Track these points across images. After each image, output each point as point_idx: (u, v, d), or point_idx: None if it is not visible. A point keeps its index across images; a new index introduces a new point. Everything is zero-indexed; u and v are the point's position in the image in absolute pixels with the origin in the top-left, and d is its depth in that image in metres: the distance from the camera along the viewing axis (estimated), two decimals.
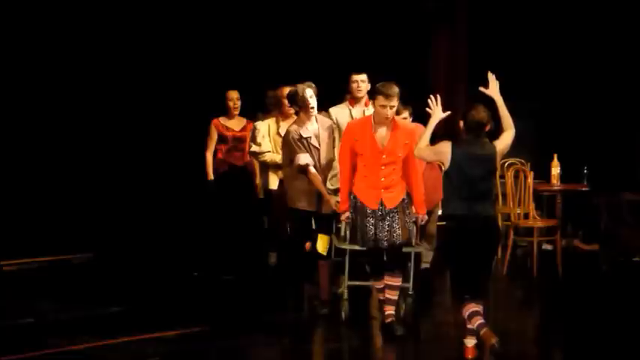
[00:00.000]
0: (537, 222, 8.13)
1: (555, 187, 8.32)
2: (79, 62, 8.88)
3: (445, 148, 5.20)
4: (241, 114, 7.67)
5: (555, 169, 8.27)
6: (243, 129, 7.56)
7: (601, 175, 8.48)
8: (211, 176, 7.56)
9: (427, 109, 5.42)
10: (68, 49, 8.78)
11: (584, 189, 8.43)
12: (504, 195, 8.38)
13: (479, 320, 5.13)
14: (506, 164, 8.56)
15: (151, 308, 6.60)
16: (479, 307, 5.17)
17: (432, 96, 5.40)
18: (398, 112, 6.28)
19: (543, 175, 8.47)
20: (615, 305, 6.82)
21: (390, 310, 5.84)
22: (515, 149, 8.62)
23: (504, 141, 5.23)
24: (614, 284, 7.70)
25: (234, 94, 7.55)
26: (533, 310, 7.22)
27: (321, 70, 7.65)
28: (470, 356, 5.25)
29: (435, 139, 5.35)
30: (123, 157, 9.07)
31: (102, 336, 5.70)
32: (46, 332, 5.84)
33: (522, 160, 8.72)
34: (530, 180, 8.14)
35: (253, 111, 7.88)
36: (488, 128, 5.22)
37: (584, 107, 9.26)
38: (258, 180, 7.63)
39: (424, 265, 7.06)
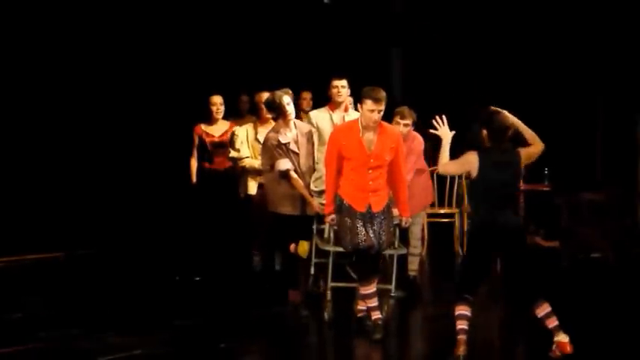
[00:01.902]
0: None
1: (519, 187, 8.58)
2: (75, 61, 8.85)
3: (472, 157, 5.16)
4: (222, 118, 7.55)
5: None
6: (224, 134, 7.44)
7: (561, 176, 8.63)
8: (194, 181, 7.49)
9: (433, 131, 5.39)
10: (63, 49, 8.76)
11: (545, 189, 8.57)
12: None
13: (463, 325, 5.18)
14: None
15: (134, 306, 6.63)
16: (469, 312, 5.19)
17: (437, 117, 5.36)
18: (402, 117, 6.40)
19: None
20: (574, 299, 6.88)
21: (376, 315, 5.72)
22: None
23: (530, 152, 5.23)
24: (574, 279, 7.78)
25: (217, 100, 7.44)
26: (497, 304, 7.16)
27: (290, 76, 7.65)
28: (569, 350, 5.19)
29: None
30: (109, 160, 9.05)
31: (88, 331, 5.81)
32: (35, 327, 5.90)
33: None
34: None
35: (227, 116, 7.77)
36: (510, 134, 5.19)
37: (546, 111, 9.27)
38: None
39: (411, 273, 6.99)
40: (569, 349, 5.17)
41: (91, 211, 8.87)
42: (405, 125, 6.41)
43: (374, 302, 5.74)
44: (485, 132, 5.18)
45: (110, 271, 7.95)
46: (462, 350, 5.14)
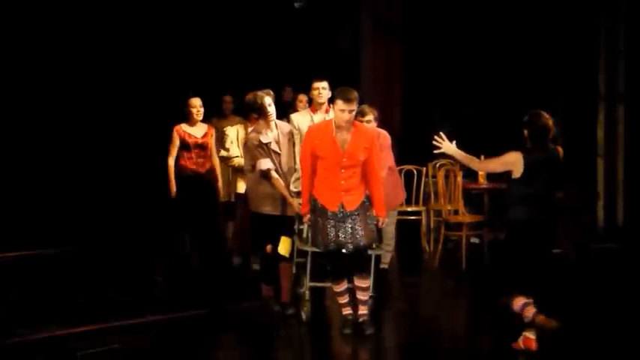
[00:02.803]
0: (466, 218, 8.34)
1: (482, 186, 8.51)
2: (57, 62, 8.81)
3: (515, 157, 5.17)
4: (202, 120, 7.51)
5: None
6: (205, 135, 7.43)
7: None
8: (173, 182, 7.41)
9: (437, 151, 5.44)
10: (49, 50, 8.75)
11: None
12: (436, 193, 8.59)
13: (532, 310, 5.21)
14: (438, 165, 8.73)
15: (113, 301, 6.65)
16: (529, 299, 5.23)
17: (436, 136, 5.43)
18: (363, 115, 6.39)
19: (471, 174, 8.66)
20: (535, 292, 6.93)
21: (363, 310, 5.77)
22: None
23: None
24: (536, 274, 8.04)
25: (196, 102, 7.39)
26: (462, 298, 7.37)
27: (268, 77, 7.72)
28: (533, 348, 5.28)
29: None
30: (86, 159, 8.99)
31: (67, 325, 5.85)
32: (13, 323, 5.95)
33: (452, 161, 8.57)
34: (459, 179, 8.38)
35: (208, 116, 7.78)
36: (551, 135, 5.23)
37: (508, 113, 8.93)
38: (220, 184, 7.53)
39: (383, 266, 6.99)
40: (534, 346, 5.28)
41: (69, 210, 8.85)
42: (368, 122, 6.41)
43: (344, 299, 5.83)
44: (526, 132, 5.22)
45: (88, 268, 7.94)
46: (553, 323, 5.16)
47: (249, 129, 6.89)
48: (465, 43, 9.88)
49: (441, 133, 5.45)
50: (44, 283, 7.40)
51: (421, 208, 8.86)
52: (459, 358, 5.60)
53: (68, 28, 8.91)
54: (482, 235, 8.41)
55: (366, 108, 6.55)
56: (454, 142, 5.44)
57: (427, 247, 8.84)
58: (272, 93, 6.28)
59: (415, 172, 8.88)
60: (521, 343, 5.39)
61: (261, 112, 6.19)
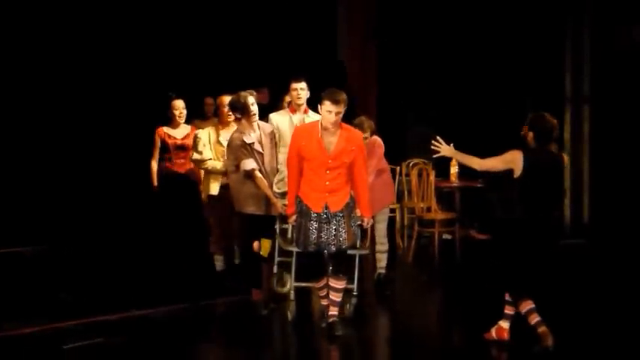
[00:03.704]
0: (438, 215, 8.50)
1: (454, 184, 8.70)
2: (38, 60, 8.79)
3: (516, 156, 5.18)
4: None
5: (454, 168, 8.68)
6: (186, 137, 7.38)
7: (493, 174, 8.98)
8: (155, 180, 7.38)
9: (436, 155, 5.48)
10: (25, 49, 8.73)
11: (478, 185, 8.75)
12: (409, 191, 8.73)
13: (536, 318, 5.22)
14: (411, 164, 8.88)
15: (97, 297, 6.68)
16: (533, 305, 5.22)
17: (433, 141, 5.44)
18: (361, 129, 6.25)
19: (443, 173, 8.80)
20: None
21: (333, 311, 5.71)
22: (418, 150, 9.19)
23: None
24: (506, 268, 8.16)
25: (179, 104, 7.36)
26: (435, 292, 7.47)
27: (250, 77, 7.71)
28: (505, 338, 5.36)
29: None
30: (70, 159, 8.97)
31: (51, 320, 5.91)
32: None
33: (425, 160, 8.87)
34: (432, 178, 8.56)
35: (189, 118, 7.72)
36: (555, 135, 5.27)
37: (478, 114, 9.52)
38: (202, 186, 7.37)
39: (380, 271, 7.00)
40: (506, 336, 5.33)
41: (48, 209, 8.86)
42: (365, 138, 6.26)
43: (327, 301, 5.77)
44: (531, 134, 5.23)
45: (72, 265, 7.93)
46: (550, 341, 5.16)
47: (221, 130, 6.88)
48: (437, 46, 9.95)
49: (438, 137, 5.43)
50: (26, 280, 7.41)
51: (395, 205, 8.90)
52: (432, 349, 5.68)
53: (50, 26, 8.89)
54: (454, 231, 8.58)
55: (364, 122, 6.51)
56: (452, 144, 5.44)
57: (401, 243, 8.96)
58: (255, 93, 6.22)
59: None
60: (493, 333, 5.47)
61: (244, 112, 6.11)
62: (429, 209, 8.58)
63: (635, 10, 9.03)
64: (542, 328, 5.24)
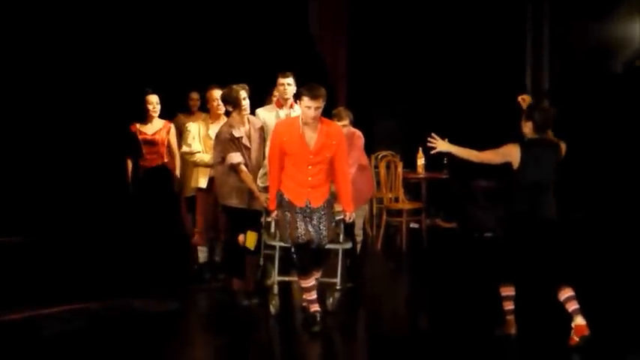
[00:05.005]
0: (406, 204, 8.58)
1: (420, 175, 8.80)
2: (14, 57, 8.74)
3: (514, 149, 5.16)
4: (162, 116, 7.48)
5: (420, 160, 8.81)
6: (156, 132, 7.37)
7: (458, 165, 8.45)
8: (129, 179, 7.42)
9: (433, 151, 5.43)
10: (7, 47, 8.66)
11: (444, 177, 8.88)
12: (378, 182, 8.74)
13: (510, 306, 5.28)
14: (380, 156, 8.95)
15: (78, 286, 6.70)
16: (513, 292, 5.27)
17: (429, 138, 5.40)
18: (339, 119, 6.24)
19: (410, 165, 8.92)
20: (470, 272, 7.32)
21: (314, 307, 5.66)
22: (386, 143, 9.41)
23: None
24: (470, 254, 8.18)
25: (153, 99, 7.36)
26: (403, 278, 7.66)
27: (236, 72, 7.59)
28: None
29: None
30: (50, 150, 8.90)
31: (33, 306, 5.98)
32: None
33: (393, 153, 8.99)
34: (399, 169, 8.63)
35: (173, 112, 7.80)
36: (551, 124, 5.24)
37: (445, 108, 9.56)
38: (178, 179, 7.45)
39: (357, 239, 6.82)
40: (586, 331, 5.12)
41: (25, 201, 8.85)
42: (344, 126, 6.23)
43: (312, 295, 5.67)
44: (530, 124, 5.21)
45: (49, 256, 7.92)
46: (513, 329, 5.24)
47: (211, 124, 6.86)
48: (403, 41, 10.01)
49: (433, 134, 5.41)
50: (5, 269, 7.40)
51: None
52: (401, 335, 5.73)
53: (27, 24, 8.83)
54: (421, 220, 8.71)
55: (342, 112, 6.45)
56: (446, 139, 5.44)
57: (370, 232, 8.99)
58: (247, 87, 6.18)
59: None
60: (574, 335, 5.19)
61: (235, 105, 6.09)
62: (396, 199, 8.66)
63: (592, 6, 9.16)
64: (510, 317, 5.33)
